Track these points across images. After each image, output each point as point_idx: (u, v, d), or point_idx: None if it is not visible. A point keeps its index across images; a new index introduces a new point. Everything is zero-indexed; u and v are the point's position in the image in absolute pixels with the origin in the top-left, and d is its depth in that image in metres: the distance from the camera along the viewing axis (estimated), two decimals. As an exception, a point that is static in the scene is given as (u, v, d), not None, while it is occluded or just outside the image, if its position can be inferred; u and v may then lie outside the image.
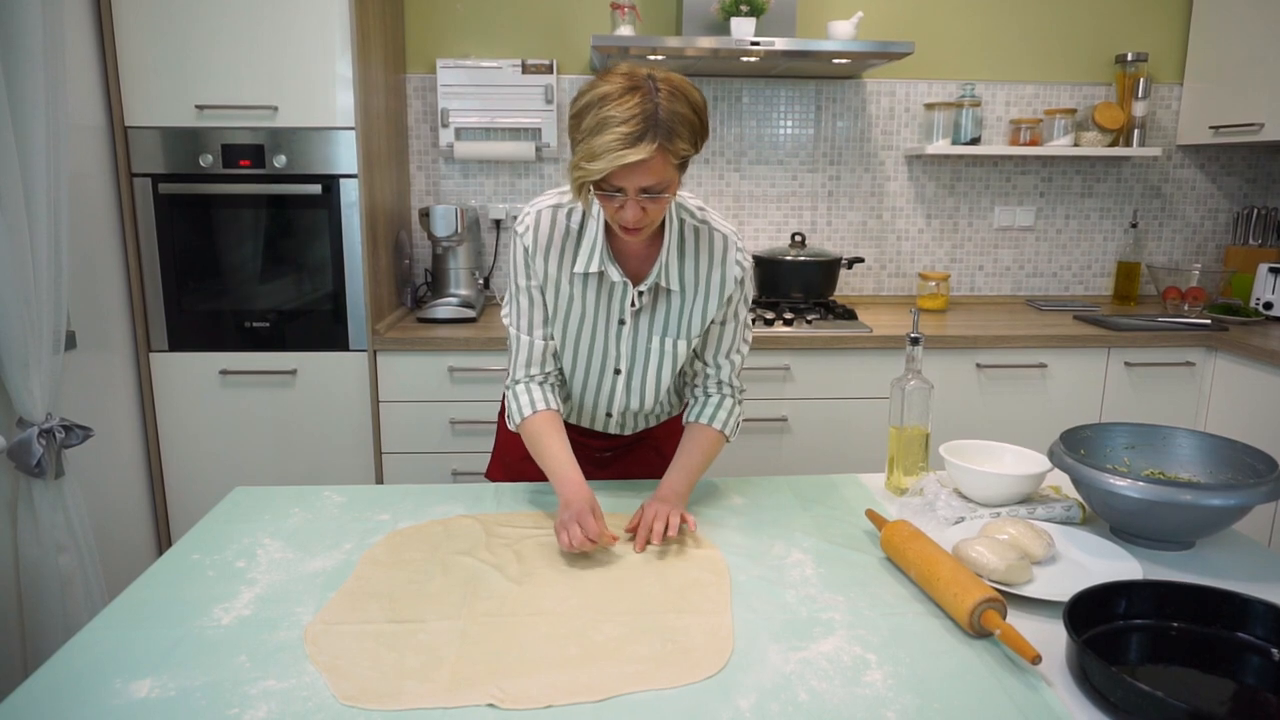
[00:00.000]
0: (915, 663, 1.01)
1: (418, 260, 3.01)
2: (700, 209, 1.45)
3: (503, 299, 3.00)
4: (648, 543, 1.29)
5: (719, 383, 1.52)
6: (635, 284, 1.42)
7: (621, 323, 1.46)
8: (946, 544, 1.25)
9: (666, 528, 1.29)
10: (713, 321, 1.47)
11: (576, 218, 1.41)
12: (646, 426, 1.66)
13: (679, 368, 1.52)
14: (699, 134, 1.25)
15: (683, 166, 1.27)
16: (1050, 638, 1.03)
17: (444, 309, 2.66)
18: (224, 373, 2.47)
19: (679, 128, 1.21)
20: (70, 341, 2.05)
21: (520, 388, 1.48)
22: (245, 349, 2.48)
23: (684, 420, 1.54)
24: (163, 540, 2.56)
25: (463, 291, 2.77)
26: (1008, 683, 0.97)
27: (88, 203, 2.26)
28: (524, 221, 1.42)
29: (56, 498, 1.86)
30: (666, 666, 1.00)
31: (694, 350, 1.52)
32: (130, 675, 0.97)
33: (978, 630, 1.05)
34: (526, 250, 1.42)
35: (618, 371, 1.51)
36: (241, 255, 2.46)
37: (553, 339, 1.48)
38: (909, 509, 1.44)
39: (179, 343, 2.47)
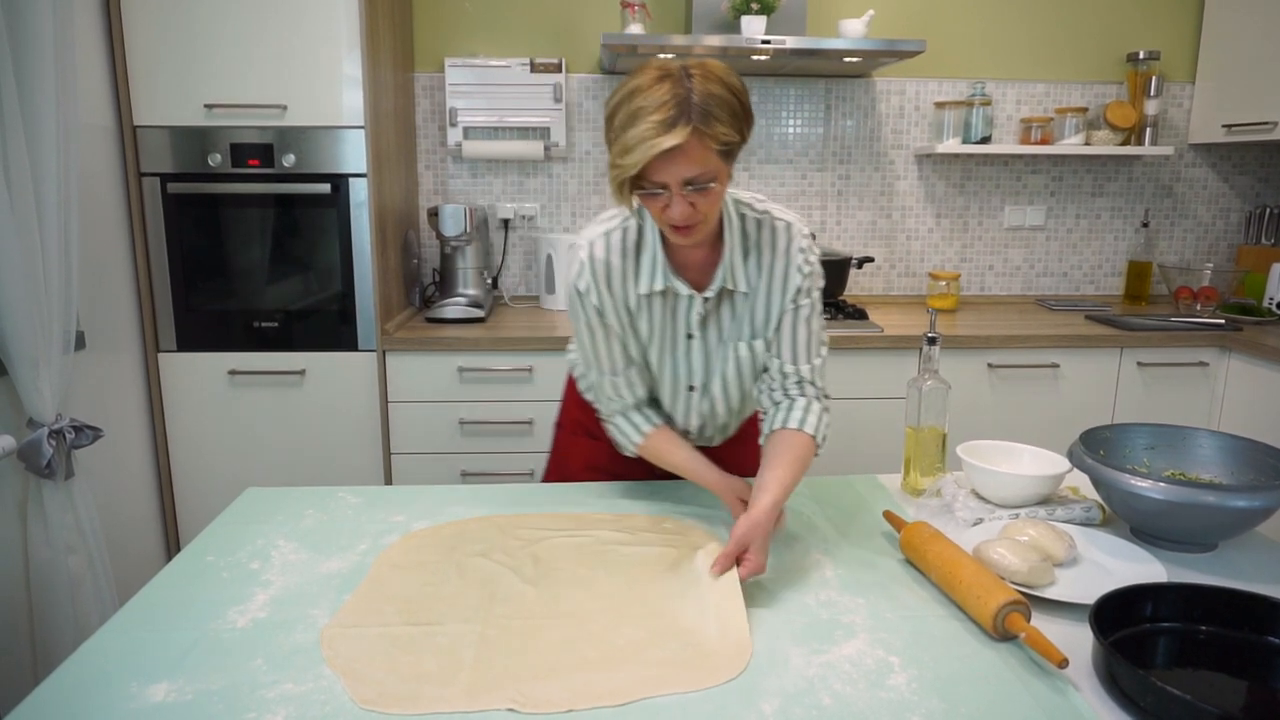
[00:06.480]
0: (939, 666, 1.00)
1: (426, 260, 3.01)
2: (759, 201, 1.37)
3: (513, 297, 3.00)
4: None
5: (799, 381, 1.40)
6: (702, 292, 1.35)
7: (689, 337, 1.39)
8: (966, 545, 1.24)
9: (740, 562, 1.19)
10: (782, 314, 1.38)
11: (631, 238, 1.34)
12: (732, 433, 1.60)
13: (756, 372, 1.44)
14: (740, 118, 1.18)
15: (729, 155, 1.19)
16: (1074, 640, 1.01)
17: (453, 309, 2.65)
18: (232, 373, 2.46)
19: (715, 110, 1.13)
20: (80, 342, 2.05)
21: (621, 419, 1.44)
22: (254, 349, 2.47)
23: (768, 427, 1.39)
24: (171, 541, 2.55)
25: (471, 291, 2.76)
26: (1034, 686, 0.95)
27: (96, 203, 2.25)
28: (576, 259, 1.35)
29: (66, 499, 1.85)
30: (687, 670, 0.99)
31: (769, 353, 1.41)
32: (146, 679, 0.96)
33: (1001, 633, 1.04)
34: (583, 293, 1.35)
35: (691, 389, 1.46)
36: (250, 255, 2.45)
37: (635, 363, 1.42)
38: (927, 510, 1.43)
39: (188, 343, 2.46)
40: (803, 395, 1.40)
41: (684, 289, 1.34)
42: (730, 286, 1.35)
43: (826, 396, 1.42)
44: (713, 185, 1.18)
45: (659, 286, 1.34)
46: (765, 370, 1.43)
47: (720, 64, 1.19)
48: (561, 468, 1.69)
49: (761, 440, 1.40)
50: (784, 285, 1.36)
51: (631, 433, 1.44)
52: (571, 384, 1.69)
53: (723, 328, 1.40)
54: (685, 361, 1.42)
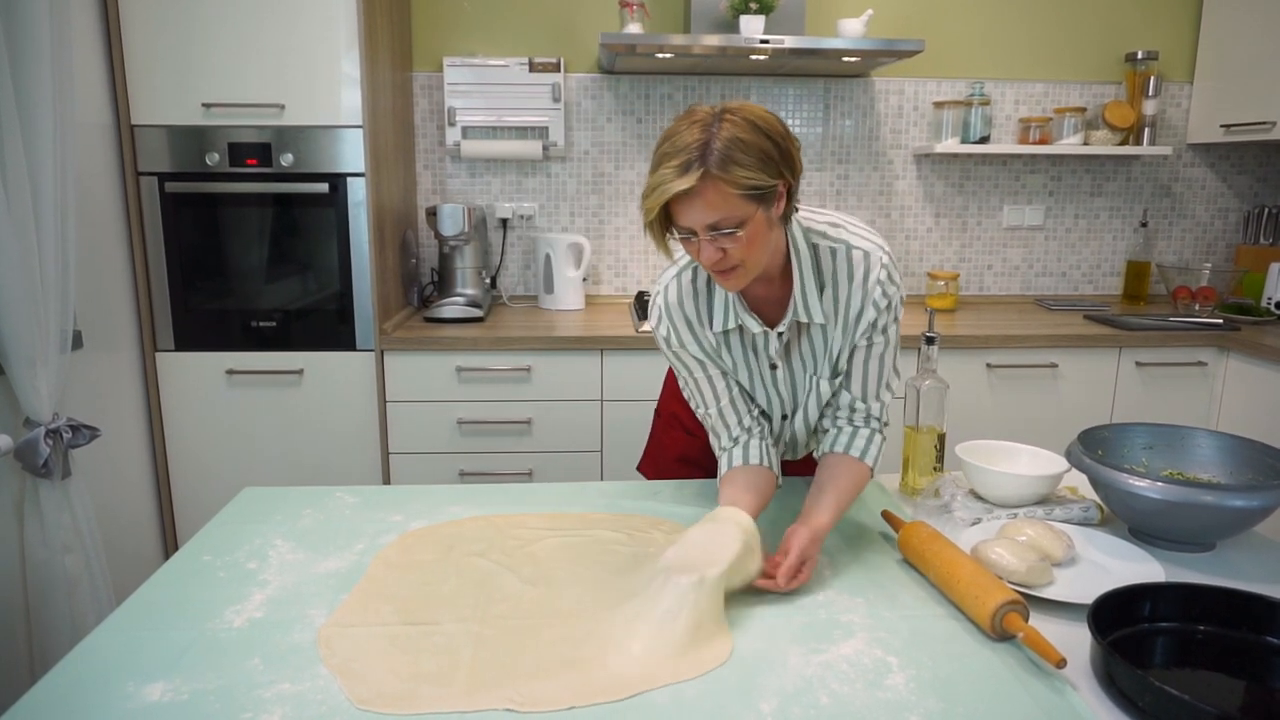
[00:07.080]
0: (937, 666, 1.00)
1: (424, 260, 3.00)
2: (835, 226, 1.32)
3: (511, 297, 2.99)
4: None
5: (867, 416, 1.38)
6: (776, 328, 1.33)
7: (774, 367, 1.38)
8: (964, 545, 1.24)
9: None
10: (854, 348, 1.35)
11: (703, 276, 1.33)
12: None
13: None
14: (774, 160, 1.13)
15: (761, 199, 1.14)
16: (1072, 640, 1.01)
17: (451, 308, 2.64)
18: (230, 372, 2.46)
19: (737, 154, 1.10)
20: (77, 341, 2.04)
21: (724, 454, 1.41)
22: (251, 349, 2.47)
23: (823, 448, 1.40)
24: (168, 541, 2.55)
25: (469, 291, 2.76)
26: (1032, 686, 0.95)
27: (94, 202, 2.25)
28: (654, 305, 1.37)
29: (63, 498, 1.84)
30: (685, 665, 0.99)
31: (840, 384, 1.39)
32: (142, 679, 0.96)
33: (1000, 633, 1.04)
34: (666, 339, 1.37)
35: (785, 417, 1.45)
36: (248, 254, 2.45)
37: (733, 387, 1.40)
38: (925, 510, 1.43)
39: (185, 342, 2.46)
40: (867, 426, 1.39)
41: (755, 326, 1.32)
42: (804, 319, 1.32)
43: (885, 425, 1.41)
44: (738, 231, 1.15)
45: (730, 325, 1.34)
46: (834, 396, 1.41)
47: (760, 108, 1.16)
48: (656, 457, 1.73)
49: (817, 454, 1.41)
50: (858, 319, 1.32)
51: (722, 468, 1.40)
52: (671, 377, 1.71)
53: (804, 358, 1.38)
54: (775, 390, 1.42)
